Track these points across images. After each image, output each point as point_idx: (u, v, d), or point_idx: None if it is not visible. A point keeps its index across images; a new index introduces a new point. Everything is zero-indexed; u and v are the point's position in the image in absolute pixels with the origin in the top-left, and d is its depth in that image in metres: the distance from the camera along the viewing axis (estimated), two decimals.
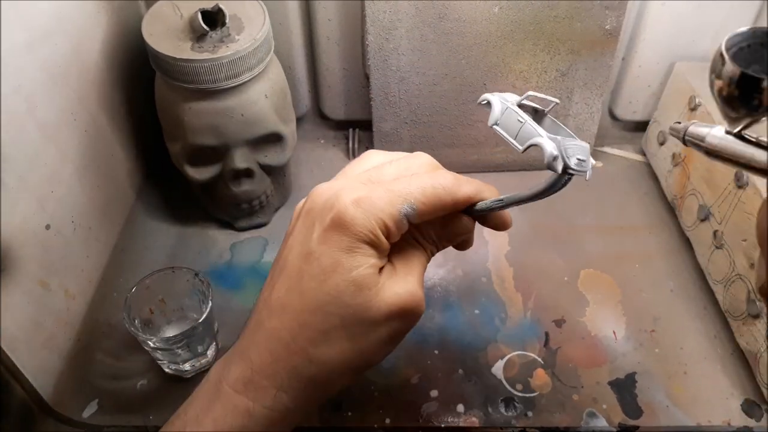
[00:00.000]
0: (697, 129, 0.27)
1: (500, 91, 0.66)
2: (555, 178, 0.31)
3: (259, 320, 0.34)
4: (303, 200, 0.36)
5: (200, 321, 0.48)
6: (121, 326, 0.53)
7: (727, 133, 0.26)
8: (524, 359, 0.53)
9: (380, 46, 0.62)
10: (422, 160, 0.36)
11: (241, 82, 0.53)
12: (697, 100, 0.60)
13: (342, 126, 0.74)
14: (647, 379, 0.51)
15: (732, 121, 0.25)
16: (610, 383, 0.51)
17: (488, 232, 0.64)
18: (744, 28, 0.24)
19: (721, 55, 0.24)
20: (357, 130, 0.73)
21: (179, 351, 0.49)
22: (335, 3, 0.64)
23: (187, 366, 0.51)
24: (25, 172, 0.48)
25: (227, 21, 0.52)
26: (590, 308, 0.57)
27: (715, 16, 0.63)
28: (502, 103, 0.33)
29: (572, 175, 0.30)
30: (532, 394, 0.50)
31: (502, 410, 0.50)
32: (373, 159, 0.37)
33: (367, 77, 0.67)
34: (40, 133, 0.49)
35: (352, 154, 0.71)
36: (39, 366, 0.49)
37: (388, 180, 0.34)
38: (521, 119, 0.32)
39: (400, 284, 0.33)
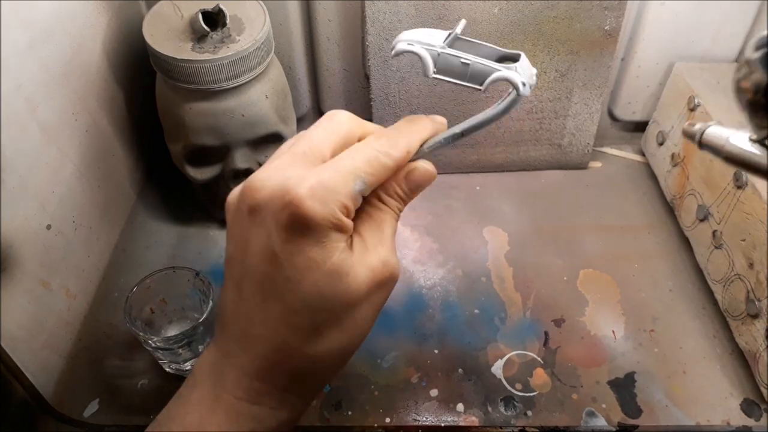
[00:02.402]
0: (717, 132, 0.24)
1: (500, 91, 0.66)
2: (512, 99, 0.31)
3: (241, 329, 0.32)
4: (235, 193, 0.33)
5: (201, 320, 0.48)
6: (122, 326, 0.54)
7: (751, 140, 0.23)
8: (524, 359, 0.53)
9: (380, 47, 0.62)
10: (342, 118, 0.33)
11: (241, 82, 0.53)
12: (696, 101, 0.60)
13: None
14: (646, 378, 0.52)
15: (757, 127, 0.23)
16: (610, 383, 0.51)
17: (488, 231, 0.64)
18: None
19: (747, 60, 0.21)
20: None
21: (180, 350, 0.49)
22: (335, 3, 0.64)
23: (188, 365, 0.51)
24: (26, 172, 0.48)
25: (228, 22, 0.52)
26: (589, 308, 0.57)
27: (714, 16, 0.63)
28: (430, 50, 0.31)
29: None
30: (531, 394, 0.51)
31: (502, 409, 0.50)
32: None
33: (367, 78, 0.67)
34: (40, 133, 0.49)
35: None
36: (40, 365, 0.50)
37: (327, 154, 0.32)
38: (465, 60, 0.31)
39: (373, 257, 0.32)
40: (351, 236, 0.32)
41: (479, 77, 0.31)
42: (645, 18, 0.65)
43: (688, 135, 0.26)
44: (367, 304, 0.32)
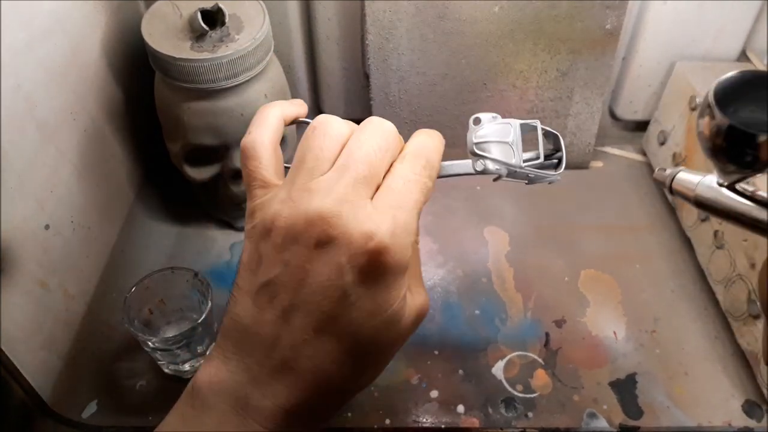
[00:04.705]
0: (687, 177, 0.25)
1: (501, 91, 0.66)
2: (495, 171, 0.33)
3: (283, 360, 0.30)
4: (283, 213, 0.30)
5: (200, 321, 0.48)
6: (120, 327, 0.53)
7: (719, 184, 0.23)
8: (525, 360, 0.53)
9: (380, 46, 0.62)
10: (391, 135, 0.33)
11: (240, 81, 0.53)
12: (697, 100, 0.60)
13: None
14: (648, 379, 0.51)
15: (722, 171, 0.23)
16: (611, 384, 0.51)
17: (488, 232, 0.64)
18: (734, 72, 0.22)
19: (709, 104, 0.21)
20: None
21: (179, 351, 0.49)
22: (335, 2, 0.64)
23: (186, 366, 0.51)
24: (25, 172, 0.47)
25: (227, 20, 0.52)
26: (591, 308, 0.57)
27: (716, 15, 0.63)
28: (510, 168, 0.32)
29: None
30: (532, 395, 0.50)
31: (503, 411, 0.49)
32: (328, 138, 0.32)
33: (366, 77, 0.67)
34: (39, 132, 0.49)
35: None
36: (38, 366, 0.49)
37: (382, 177, 0.31)
38: (531, 174, 0.32)
39: (417, 299, 0.33)
40: None
41: (533, 178, 0.33)
42: (646, 17, 0.64)
43: (659, 180, 0.27)
44: (403, 342, 0.33)
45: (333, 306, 0.29)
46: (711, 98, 0.21)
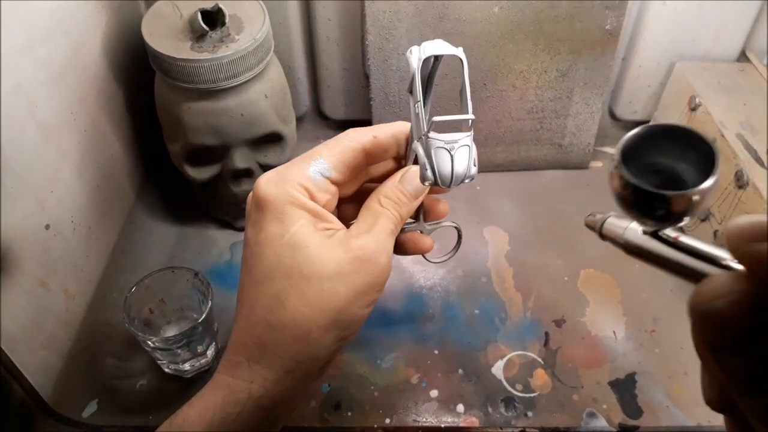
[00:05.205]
0: (615, 223, 0.25)
1: (501, 91, 0.66)
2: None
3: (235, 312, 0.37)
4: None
5: (200, 321, 0.48)
6: (120, 326, 0.53)
7: (644, 232, 0.23)
8: (524, 359, 0.53)
9: (380, 46, 0.62)
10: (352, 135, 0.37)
11: (240, 81, 0.53)
12: (697, 100, 0.60)
13: (342, 126, 0.74)
14: (647, 379, 0.51)
15: (643, 224, 0.23)
16: (611, 383, 0.51)
17: (488, 231, 0.64)
18: (640, 128, 0.22)
19: (614, 161, 0.21)
20: None
21: (179, 351, 0.49)
22: (335, 3, 0.64)
23: (186, 366, 0.51)
24: (25, 172, 0.47)
25: (227, 21, 0.52)
26: (590, 308, 0.57)
27: (715, 15, 0.63)
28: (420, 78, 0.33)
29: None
30: (532, 395, 0.50)
31: (502, 410, 0.50)
32: None
33: (366, 77, 0.67)
34: (39, 132, 0.49)
35: None
36: (39, 366, 0.49)
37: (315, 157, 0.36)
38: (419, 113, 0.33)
39: (354, 241, 0.34)
40: (328, 224, 0.35)
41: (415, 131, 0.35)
42: (646, 17, 0.64)
43: (589, 226, 0.27)
44: (338, 282, 0.33)
45: (245, 251, 0.35)
46: (618, 156, 0.21)
